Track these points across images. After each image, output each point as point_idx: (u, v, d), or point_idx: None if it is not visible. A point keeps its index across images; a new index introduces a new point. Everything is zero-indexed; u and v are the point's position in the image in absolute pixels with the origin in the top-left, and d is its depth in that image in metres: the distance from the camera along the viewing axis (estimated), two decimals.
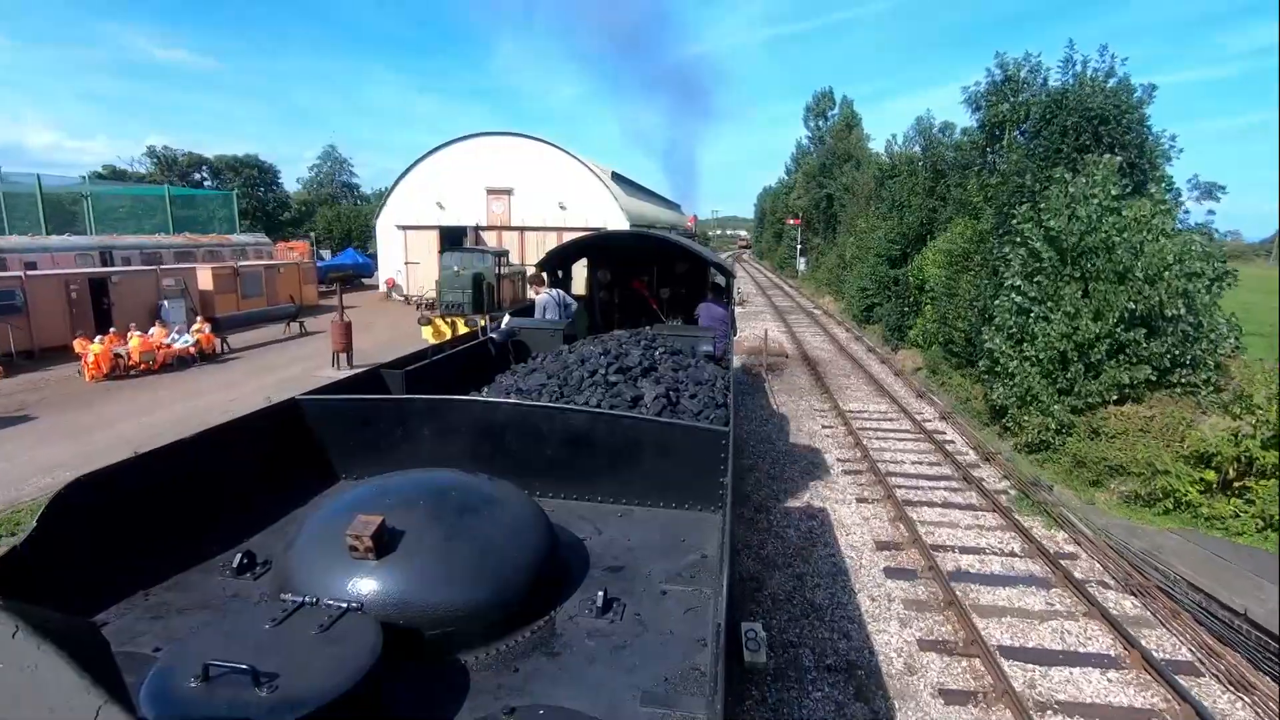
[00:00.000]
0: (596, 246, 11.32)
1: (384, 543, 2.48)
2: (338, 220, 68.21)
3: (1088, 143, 14.80)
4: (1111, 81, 16.18)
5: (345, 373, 16.39)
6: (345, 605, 2.27)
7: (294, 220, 75.51)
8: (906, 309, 23.84)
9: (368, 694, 1.96)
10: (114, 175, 66.51)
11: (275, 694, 1.84)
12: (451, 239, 36.24)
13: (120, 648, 2.26)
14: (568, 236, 34.69)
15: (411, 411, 3.99)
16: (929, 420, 15.34)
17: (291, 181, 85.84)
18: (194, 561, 3.03)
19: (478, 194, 35.81)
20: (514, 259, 36.36)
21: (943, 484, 11.52)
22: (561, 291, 9.34)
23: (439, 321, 23.26)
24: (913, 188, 26.94)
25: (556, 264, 9.93)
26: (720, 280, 10.08)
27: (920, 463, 12.53)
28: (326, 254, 52.36)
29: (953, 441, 13.82)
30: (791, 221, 57.72)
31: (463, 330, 23.74)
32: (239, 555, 2.96)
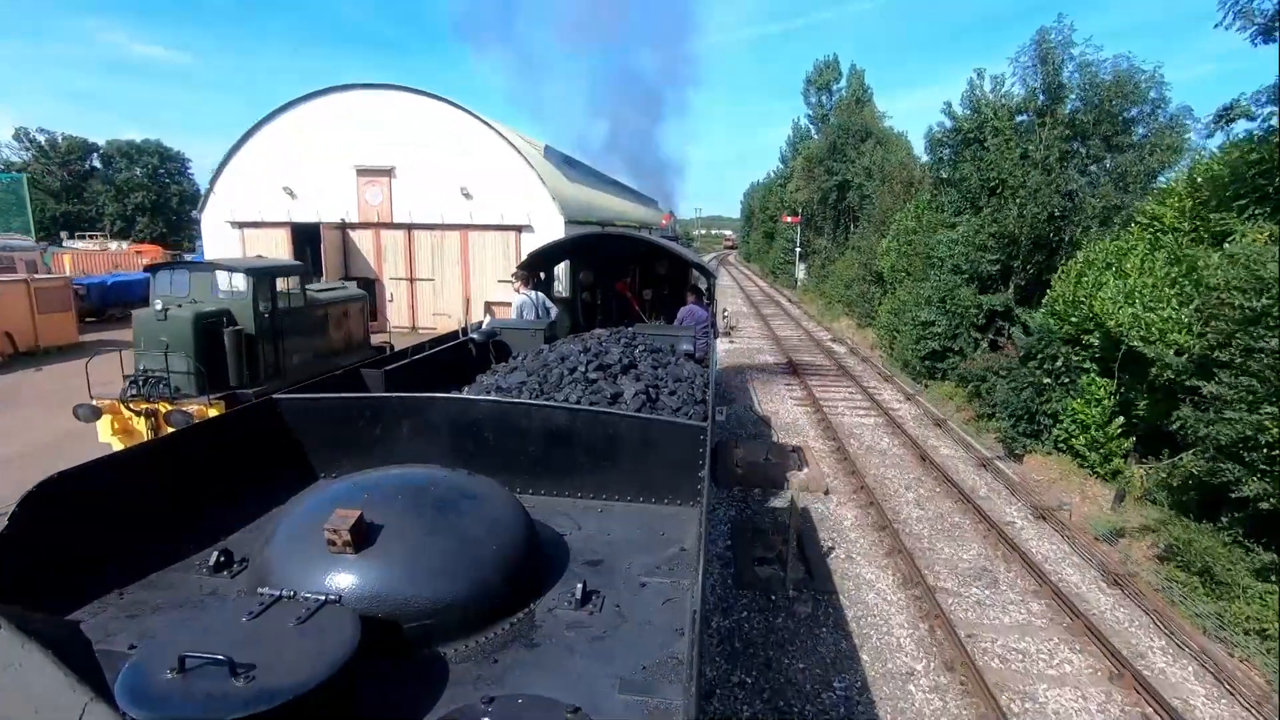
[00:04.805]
0: (579, 248, 10.52)
1: (362, 536, 2.37)
2: None
3: None
4: None
5: None
6: (323, 598, 2.16)
7: None
8: (1046, 382, 11.91)
9: (346, 685, 1.88)
10: None
11: (252, 684, 1.75)
12: (309, 240, 24.06)
13: (95, 646, 2.19)
14: (475, 238, 22.48)
15: (391, 409, 3.79)
16: None
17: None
18: (170, 560, 2.85)
19: (344, 176, 23.52)
20: (399, 269, 24.15)
21: None
22: (542, 295, 8.64)
23: (124, 410, 11.14)
24: (1025, 157, 14.99)
25: (539, 266, 9.18)
26: (702, 284, 9.60)
27: None
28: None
29: None
30: (788, 219, 45.66)
31: (167, 431, 12.18)
32: (216, 553, 2.79)
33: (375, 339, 16.82)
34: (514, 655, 2.27)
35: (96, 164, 56.99)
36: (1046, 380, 11.91)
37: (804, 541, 8.60)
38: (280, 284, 12.91)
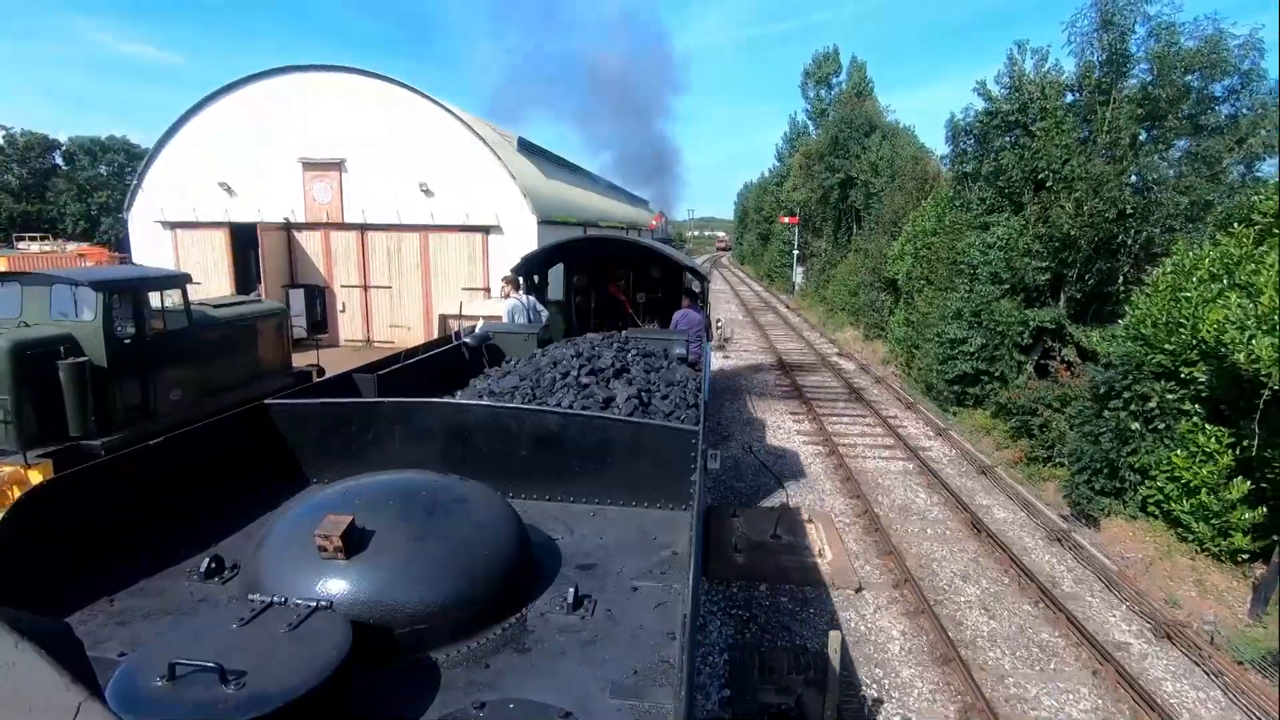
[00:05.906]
0: (573, 251, 10.06)
1: (353, 542, 2.35)
2: None
3: None
4: None
5: None
6: (314, 604, 2.15)
7: None
8: (1134, 428, 9.14)
9: (337, 691, 1.87)
10: None
11: (243, 691, 1.74)
12: (253, 242, 21.13)
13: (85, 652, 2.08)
14: (436, 240, 19.15)
15: (382, 414, 3.74)
16: None
17: None
18: (160, 566, 2.82)
19: (289, 170, 20.60)
20: (352, 275, 21.22)
21: None
22: (533, 298, 8.48)
23: None
24: (1085, 142, 12.24)
25: (531, 270, 8.90)
26: (696, 286, 9.15)
27: None
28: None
29: None
30: (785, 220, 42.88)
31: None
32: (207, 559, 2.77)
33: (301, 361, 13.93)
34: (506, 660, 2.25)
35: (59, 161, 53.74)
36: (1134, 425, 9.14)
37: (837, 682, 5.78)
38: (154, 299, 10.04)
